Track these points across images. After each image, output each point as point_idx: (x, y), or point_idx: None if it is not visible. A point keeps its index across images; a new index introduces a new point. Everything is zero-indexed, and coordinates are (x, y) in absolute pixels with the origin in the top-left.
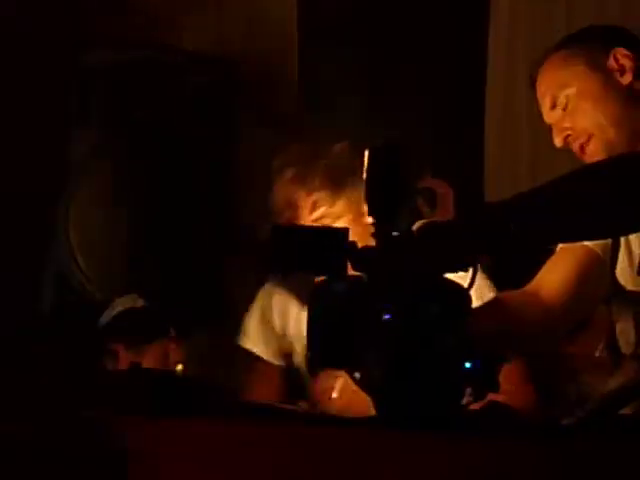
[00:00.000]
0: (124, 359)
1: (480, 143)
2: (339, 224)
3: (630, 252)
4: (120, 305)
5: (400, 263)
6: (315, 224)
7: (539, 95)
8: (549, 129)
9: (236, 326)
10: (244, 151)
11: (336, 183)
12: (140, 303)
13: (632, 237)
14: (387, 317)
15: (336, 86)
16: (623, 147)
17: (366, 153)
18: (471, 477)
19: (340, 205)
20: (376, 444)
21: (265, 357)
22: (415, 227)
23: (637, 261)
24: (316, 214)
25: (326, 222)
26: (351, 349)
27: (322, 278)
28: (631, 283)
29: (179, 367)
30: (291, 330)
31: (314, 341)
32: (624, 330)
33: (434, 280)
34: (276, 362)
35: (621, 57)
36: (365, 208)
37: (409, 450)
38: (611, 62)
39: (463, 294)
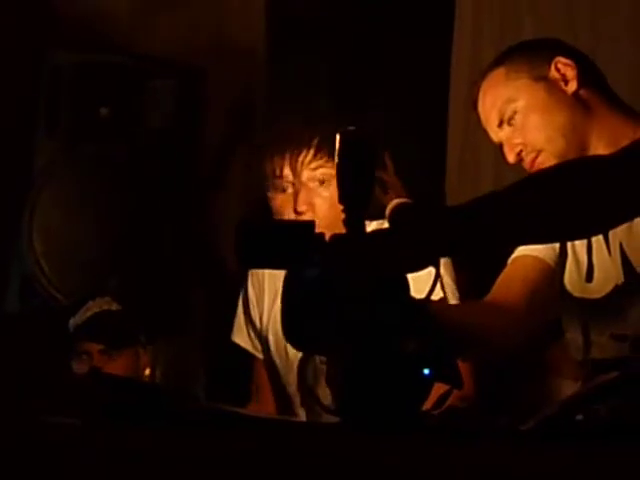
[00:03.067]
0: (98, 361)
1: (443, 141)
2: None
3: (577, 260)
4: (95, 307)
5: (361, 261)
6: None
7: (483, 114)
8: (499, 147)
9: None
10: (210, 154)
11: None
12: (115, 306)
13: (578, 245)
14: (349, 312)
15: (304, 89)
16: (574, 156)
17: (337, 138)
18: None
19: (322, 155)
20: (341, 451)
21: (251, 350)
22: (389, 207)
23: (585, 269)
24: (313, 165)
25: (324, 177)
26: (322, 335)
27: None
28: (579, 290)
29: (147, 372)
30: (265, 320)
31: (288, 326)
32: (573, 338)
33: (396, 280)
34: (260, 355)
35: (562, 66)
36: None
37: (373, 454)
38: (553, 72)
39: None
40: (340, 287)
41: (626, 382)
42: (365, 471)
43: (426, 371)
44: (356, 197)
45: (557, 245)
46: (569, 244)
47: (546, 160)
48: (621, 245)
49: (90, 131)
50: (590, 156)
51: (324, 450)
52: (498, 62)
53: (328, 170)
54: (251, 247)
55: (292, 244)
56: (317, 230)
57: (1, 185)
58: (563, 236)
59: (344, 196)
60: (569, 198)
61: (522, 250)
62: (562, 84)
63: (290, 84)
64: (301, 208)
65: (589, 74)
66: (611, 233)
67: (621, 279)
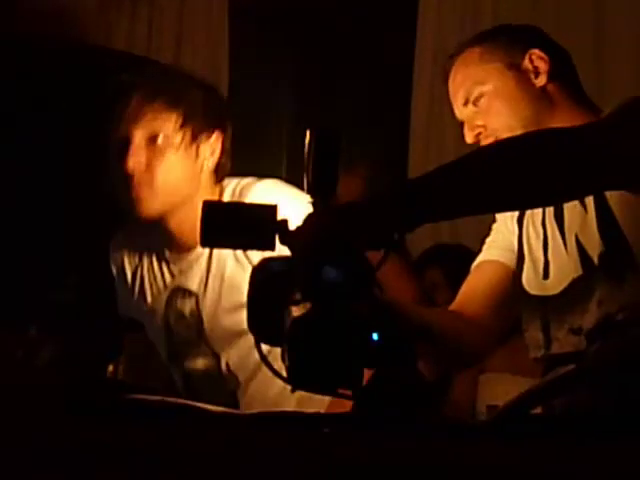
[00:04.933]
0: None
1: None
2: (168, 141)
3: (534, 259)
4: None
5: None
6: (141, 129)
7: (452, 89)
8: (460, 124)
9: None
10: None
11: (170, 97)
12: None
13: (534, 244)
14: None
15: (266, 98)
16: None
17: (307, 134)
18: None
19: (174, 116)
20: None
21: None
22: None
23: (542, 266)
24: (146, 118)
25: (157, 132)
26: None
27: (264, 257)
28: (536, 288)
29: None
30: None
31: (252, 320)
32: (533, 336)
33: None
34: None
35: (536, 59)
36: None
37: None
38: (526, 63)
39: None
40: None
41: (581, 376)
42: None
43: (375, 336)
44: (325, 188)
45: (515, 247)
46: (525, 244)
47: None
48: (577, 237)
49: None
50: (550, 128)
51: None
52: (475, 41)
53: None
54: (213, 227)
55: (254, 226)
56: None
57: None
58: (520, 204)
59: (315, 188)
60: (526, 166)
61: (483, 256)
62: (532, 76)
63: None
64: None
65: (561, 69)
66: (566, 227)
67: (579, 272)
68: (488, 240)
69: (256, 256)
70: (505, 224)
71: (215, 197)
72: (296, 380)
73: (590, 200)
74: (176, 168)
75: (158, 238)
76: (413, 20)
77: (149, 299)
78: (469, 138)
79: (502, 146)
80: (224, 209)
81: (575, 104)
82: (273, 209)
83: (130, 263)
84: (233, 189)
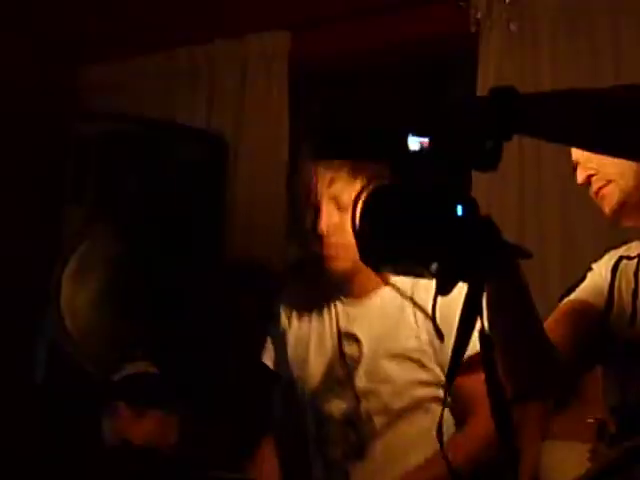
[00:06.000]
0: (127, 421)
1: None
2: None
3: (623, 305)
4: (133, 368)
5: None
6: (331, 200)
7: None
8: (574, 166)
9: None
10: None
11: (355, 164)
12: (152, 369)
13: (624, 292)
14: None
15: None
16: (638, 197)
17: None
18: None
19: (358, 184)
20: None
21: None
22: None
23: (629, 314)
24: (334, 188)
25: (344, 198)
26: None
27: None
28: (620, 334)
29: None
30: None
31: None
32: (609, 383)
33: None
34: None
35: None
36: None
37: None
38: None
39: None
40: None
41: None
42: None
43: (459, 210)
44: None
45: (606, 293)
46: (616, 291)
47: (612, 192)
48: None
49: (117, 199)
50: None
51: None
52: None
53: (347, 194)
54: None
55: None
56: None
57: (29, 254)
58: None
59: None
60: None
61: (574, 296)
62: None
63: None
64: (325, 228)
65: None
66: None
67: None
68: (581, 285)
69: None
70: (600, 272)
71: None
72: (379, 254)
73: None
74: None
75: (329, 290)
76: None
77: (312, 346)
78: (580, 179)
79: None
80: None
81: None
82: None
83: (291, 317)
84: None
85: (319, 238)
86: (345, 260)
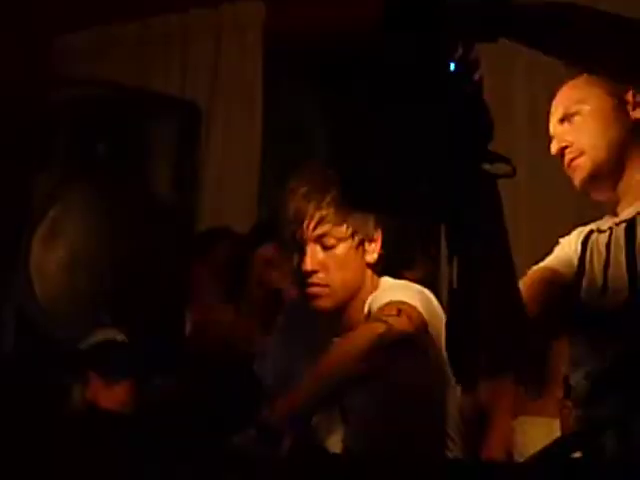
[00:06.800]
0: (95, 387)
1: None
2: (341, 247)
3: (593, 277)
4: (101, 335)
5: None
6: (316, 241)
7: (553, 107)
8: (550, 139)
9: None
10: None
11: (344, 207)
12: (120, 337)
13: (596, 264)
14: None
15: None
16: (608, 170)
17: None
18: None
19: (344, 228)
20: None
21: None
22: None
23: (600, 285)
24: (320, 230)
25: (330, 241)
26: None
27: None
28: (591, 303)
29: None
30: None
31: None
32: (577, 351)
33: None
34: None
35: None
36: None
37: None
38: (629, 96)
39: None
40: None
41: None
42: None
43: (452, 66)
44: None
45: (575, 262)
46: (587, 263)
47: (584, 163)
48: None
49: (88, 164)
50: None
51: None
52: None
53: (333, 239)
54: None
55: None
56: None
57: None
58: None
59: None
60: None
61: (544, 263)
62: (630, 107)
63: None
64: (309, 267)
65: None
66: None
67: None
68: (550, 256)
69: None
70: (569, 244)
71: (373, 289)
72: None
73: None
74: (349, 268)
75: (323, 330)
76: None
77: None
78: (554, 149)
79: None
80: None
81: None
82: None
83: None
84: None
85: (304, 276)
86: (328, 299)
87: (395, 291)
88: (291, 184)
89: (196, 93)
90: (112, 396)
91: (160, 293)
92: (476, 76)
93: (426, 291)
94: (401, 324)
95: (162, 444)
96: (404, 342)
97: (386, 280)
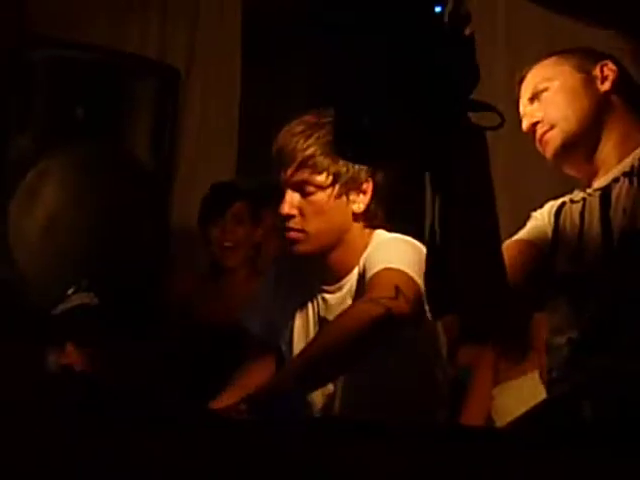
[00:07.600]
0: (70, 353)
1: None
2: (319, 195)
3: (567, 245)
4: (77, 300)
5: None
6: (295, 187)
7: (523, 88)
8: (519, 120)
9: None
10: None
11: (330, 154)
12: (95, 302)
13: (569, 232)
14: None
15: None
16: (581, 142)
17: None
18: None
19: (324, 177)
20: None
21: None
22: None
23: (574, 252)
24: (298, 176)
25: (309, 189)
26: None
27: None
28: (566, 270)
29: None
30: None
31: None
32: (556, 317)
33: None
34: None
35: (607, 69)
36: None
37: None
38: (597, 71)
39: None
40: None
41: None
42: None
43: (438, 8)
44: None
45: (550, 233)
46: (561, 234)
47: (555, 136)
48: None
49: (65, 126)
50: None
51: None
52: (552, 53)
53: (312, 187)
54: None
55: None
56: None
57: None
58: None
59: None
60: None
61: (519, 236)
62: (599, 82)
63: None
64: (286, 211)
65: (627, 87)
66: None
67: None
68: (524, 229)
69: None
70: (542, 217)
71: (364, 241)
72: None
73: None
74: (326, 215)
75: (312, 279)
76: None
77: (297, 323)
78: (525, 126)
79: None
80: None
81: (630, 115)
82: None
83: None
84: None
85: (282, 220)
86: (306, 244)
87: (390, 252)
88: (286, 126)
89: (175, 57)
90: (87, 360)
91: (138, 258)
92: (467, 31)
93: (419, 245)
94: (398, 308)
95: (139, 409)
96: (399, 326)
97: (379, 234)
